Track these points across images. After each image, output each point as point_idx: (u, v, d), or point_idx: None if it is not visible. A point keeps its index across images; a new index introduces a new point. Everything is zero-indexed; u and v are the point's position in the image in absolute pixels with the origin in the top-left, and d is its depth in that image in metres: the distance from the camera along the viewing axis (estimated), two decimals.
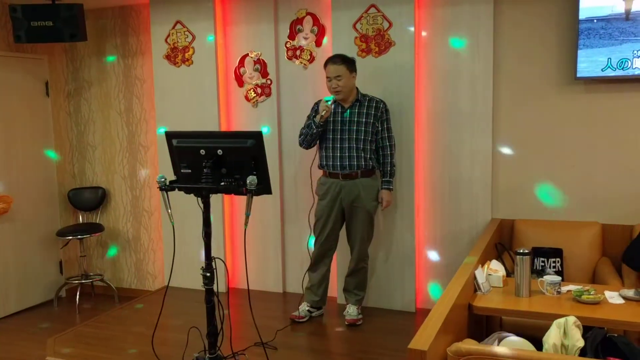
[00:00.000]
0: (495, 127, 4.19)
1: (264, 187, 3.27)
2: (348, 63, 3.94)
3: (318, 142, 4.14)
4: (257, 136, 3.22)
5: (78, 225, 5.43)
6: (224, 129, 4.88)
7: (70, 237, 5.21)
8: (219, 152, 3.24)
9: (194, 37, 4.84)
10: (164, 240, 5.18)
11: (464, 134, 4.25)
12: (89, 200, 5.48)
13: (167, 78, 4.99)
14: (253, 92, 4.79)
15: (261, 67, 4.74)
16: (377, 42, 4.29)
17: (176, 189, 3.35)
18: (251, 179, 3.13)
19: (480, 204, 4.27)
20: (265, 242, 4.92)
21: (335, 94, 3.95)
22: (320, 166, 4.16)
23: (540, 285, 3.03)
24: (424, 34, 4.28)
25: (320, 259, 4.21)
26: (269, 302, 4.74)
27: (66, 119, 5.59)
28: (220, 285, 4.89)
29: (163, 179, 3.31)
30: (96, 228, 5.34)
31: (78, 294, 5.20)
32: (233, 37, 4.84)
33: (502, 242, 3.93)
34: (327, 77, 3.96)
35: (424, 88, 4.33)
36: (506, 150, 4.20)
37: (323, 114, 3.90)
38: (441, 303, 2.63)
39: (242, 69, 4.82)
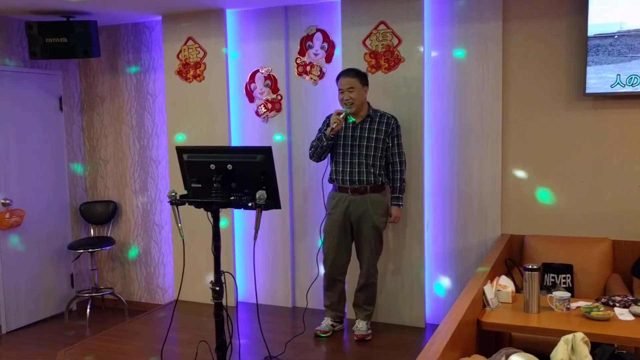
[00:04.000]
0: (504, 142, 4.20)
1: (273, 202, 3.30)
2: (360, 76, 3.97)
3: (330, 155, 4.16)
4: (267, 151, 3.26)
5: (89, 239, 5.48)
6: (234, 144, 4.93)
7: (81, 251, 5.26)
8: (229, 167, 3.28)
9: (205, 53, 4.90)
10: (174, 254, 5.21)
11: (473, 149, 4.26)
12: (101, 214, 5.53)
13: (178, 93, 5.04)
14: (263, 108, 4.84)
15: (271, 83, 4.79)
16: (386, 58, 4.32)
17: (186, 204, 3.41)
18: (260, 194, 3.16)
19: (489, 219, 4.26)
20: (274, 257, 4.93)
21: (347, 106, 3.97)
22: (330, 180, 4.18)
23: (549, 302, 3.01)
24: (433, 52, 4.31)
25: (335, 276, 4.21)
26: (278, 317, 4.74)
27: (79, 134, 5.66)
28: (229, 299, 4.91)
29: (174, 194, 3.35)
30: (107, 241, 5.38)
31: (89, 307, 5.23)
32: (244, 53, 4.90)
33: (511, 258, 3.92)
34: (339, 90, 3.98)
35: (433, 103, 4.35)
36: (515, 165, 4.20)
37: (334, 126, 3.92)
38: (449, 319, 2.63)
39: (252, 85, 4.87)
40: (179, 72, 5.02)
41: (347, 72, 3.99)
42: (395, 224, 4.28)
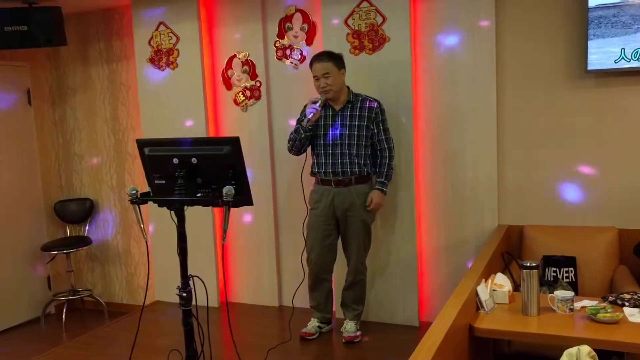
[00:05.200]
0: (499, 126, 3.88)
1: (243, 198, 3.00)
2: (335, 59, 3.65)
3: (310, 146, 3.85)
4: (234, 142, 2.96)
5: (64, 239, 5.19)
6: (211, 134, 4.61)
7: (56, 252, 4.97)
8: (194, 160, 2.99)
9: (178, 39, 4.58)
10: (153, 253, 4.92)
11: (466, 134, 3.94)
12: (76, 212, 5.24)
13: (151, 83, 4.73)
14: (242, 95, 4.52)
15: (250, 69, 4.47)
16: (370, 38, 3.99)
17: (148, 202, 3.13)
18: (227, 190, 2.87)
19: (485, 209, 3.95)
20: (259, 254, 4.64)
21: (324, 94, 3.66)
22: (312, 173, 3.88)
23: (550, 302, 2.71)
24: (420, 30, 3.98)
25: (321, 275, 3.91)
26: (263, 317, 4.46)
27: (51, 129, 5.36)
28: (211, 300, 4.64)
29: (134, 192, 3.07)
30: (83, 241, 5.09)
31: (65, 311, 4.95)
32: (219, 38, 4.57)
33: (509, 251, 3.61)
34: (314, 77, 3.68)
35: (423, 86, 4.03)
36: (512, 151, 3.88)
37: (311, 117, 3.62)
38: (436, 326, 2.33)
39: (229, 71, 4.55)
40: (151, 60, 4.70)
41: (320, 57, 3.67)
42: (387, 220, 3.99)
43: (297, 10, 4.28)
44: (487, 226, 3.95)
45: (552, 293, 2.89)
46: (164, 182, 3.14)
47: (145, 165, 3.21)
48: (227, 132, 4.62)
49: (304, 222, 3.99)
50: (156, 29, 4.65)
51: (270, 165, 4.50)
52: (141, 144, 3.18)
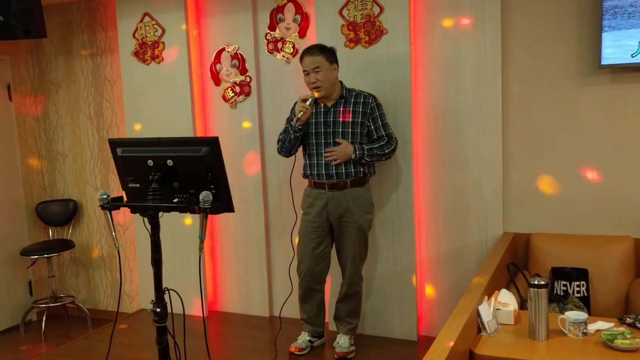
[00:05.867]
0: (505, 125, 3.58)
1: (223, 204, 2.74)
2: (326, 53, 3.37)
3: (302, 147, 3.58)
4: (212, 143, 2.68)
5: (45, 243, 4.93)
6: (199, 133, 4.34)
7: (36, 256, 4.71)
8: (169, 162, 2.74)
9: (163, 31, 4.30)
10: (138, 258, 4.66)
11: (469, 134, 3.65)
12: (59, 214, 4.98)
13: (136, 77, 4.46)
14: (231, 91, 4.24)
15: (239, 63, 4.19)
16: (367, 30, 3.71)
17: (120, 208, 2.87)
18: (204, 195, 2.60)
19: (489, 215, 3.66)
20: (248, 260, 4.37)
21: (315, 90, 3.39)
22: (304, 175, 3.60)
23: (561, 325, 2.42)
24: (420, 22, 3.68)
25: (312, 286, 3.63)
26: (253, 329, 4.19)
27: (34, 125, 5.10)
28: (199, 310, 4.39)
29: (105, 196, 2.81)
30: (66, 245, 4.83)
31: (44, 318, 4.70)
32: (207, 30, 4.30)
33: (515, 262, 3.32)
34: (304, 72, 3.40)
35: (422, 82, 3.74)
36: (519, 153, 3.59)
37: (300, 115, 3.34)
38: (434, 352, 2.06)
39: (218, 65, 4.27)
40: (136, 54, 4.43)
41: (310, 50, 3.40)
42: (384, 227, 3.71)
43: (290, 0, 4.00)
44: (491, 234, 3.66)
45: (562, 311, 2.62)
46: (138, 185, 2.90)
47: (118, 167, 2.97)
48: (215, 130, 4.35)
49: (293, 229, 3.72)
50: (141, 20, 4.37)
51: (260, 165, 4.23)
52: (113, 143, 2.94)
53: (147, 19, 4.35)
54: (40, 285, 5.11)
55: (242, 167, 4.28)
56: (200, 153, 2.70)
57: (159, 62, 4.35)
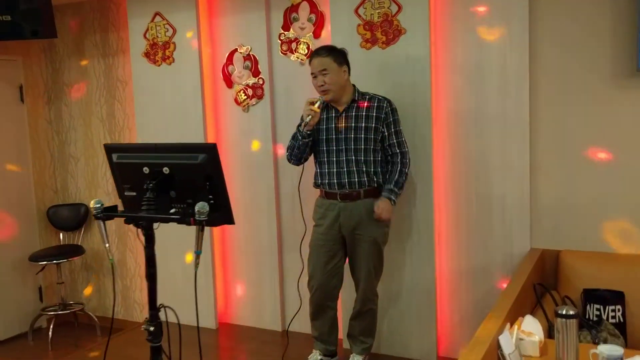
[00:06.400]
0: (533, 132, 3.31)
1: (222, 216, 2.56)
2: (335, 54, 3.15)
3: (313, 154, 3.37)
4: (210, 150, 2.51)
5: (55, 248, 4.80)
6: (210, 138, 4.17)
7: (45, 262, 4.59)
8: (165, 170, 2.58)
9: (174, 31, 4.14)
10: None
11: (494, 142, 3.39)
12: (70, 218, 4.86)
13: (146, 79, 4.31)
14: (243, 94, 4.05)
15: (252, 64, 3.99)
16: (384, 30, 3.47)
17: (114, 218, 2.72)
18: (200, 206, 2.42)
19: (515, 229, 3.38)
20: (260, 272, 4.17)
21: (322, 93, 3.17)
22: (315, 185, 3.39)
23: None
24: (441, 22, 3.43)
25: (324, 302, 3.40)
26: (264, 344, 3.99)
27: (46, 128, 4.99)
28: (209, 321, 4.22)
29: (99, 205, 2.67)
30: (75, 251, 4.70)
31: (52, 327, 4.56)
32: (219, 30, 4.12)
33: (543, 283, 3.04)
34: (311, 74, 3.19)
35: (443, 85, 3.48)
36: (548, 162, 3.30)
37: (308, 120, 3.13)
38: None
39: (230, 67, 4.08)
40: (147, 54, 4.28)
41: (319, 51, 3.19)
42: (401, 240, 3.48)
43: None
44: (517, 249, 3.38)
45: (595, 340, 2.35)
46: (134, 194, 2.76)
47: (114, 174, 2.82)
48: (227, 134, 4.17)
49: (302, 240, 3.51)
50: (152, 20, 4.22)
51: (273, 172, 4.03)
52: (109, 149, 2.80)
53: (158, 18, 4.19)
54: (51, 291, 5.00)
55: (254, 174, 4.08)
56: (198, 160, 2.53)
57: (170, 64, 4.19)
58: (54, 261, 4.59)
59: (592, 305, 2.89)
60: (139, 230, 2.65)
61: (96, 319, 4.76)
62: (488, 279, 3.49)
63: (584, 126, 3.20)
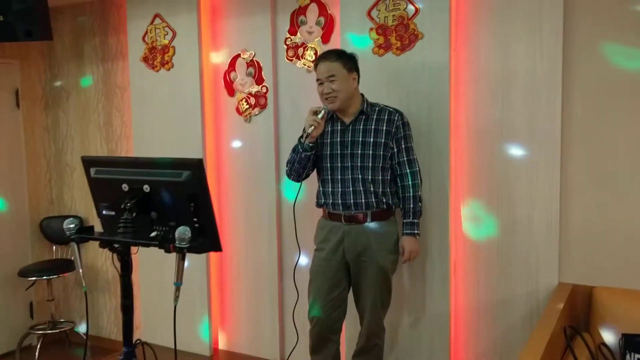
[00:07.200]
0: (564, 150, 2.93)
1: (207, 242, 2.26)
2: (344, 59, 2.82)
3: (315, 171, 3.04)
4: (196, 167, 2.21)
5: (45, 263, 4.53)
6: (209, 150, 3.86)
7: (34, 278, 4.32)
8: (146, 188, 2.29)
9: (174, 34, 3.86)
10: (141, 283, 4.20)
11: (519, 160, 3.02)
12: (64, 231, 4.55)
13: (144, 85, 4.04)
14: (245, 103, 3.75)
15: (255, 71, 3.69)
16: (399, 34, 3.14)
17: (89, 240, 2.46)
18: (181, 232, 2.13)
19: (542, 260, 3.00)
20: (259, 297, 3.84)
21: (328, 102, 2.85)
22: (318, 204, 3.06)
23: None
24: (463, 25, 3.09)
25: (325, 335, 3.04)
26: None
27: (43, 135, 4.74)
28: (202, 347, 3.92)
29: (72, 225, 2.39)
30: (67, 266, 4.43)
31: (39, 346, 4.29)
32: (222, 33, 3.83)
33: (574, 325, 2.66)
34: (317, 80, 2.86)
35: (463, 96, 3.13)
36: (581, 184, 2.92)
37: (310, 131, 2.80)
38: None
39: (232, 74, 3.78)
40: (145, 59, 4.00)
41: (327, 55, 2.86)
42: (412, 268, 3.12)
43: (313, 0, 3.48)
44: (544, 283, 3.00)
45: None
46: (113, 213, 2.47)
47: (91, 191, 2.53)
48: (228, 146, 3.86)
49: (295, 265, 3.19)
50: (151, 22, 3.95)
51: (275, 188, 3.70)
52: (87, 162, 2.54)
53: (157, 20, 3.92)
54: (43, 307, 4.72)
55: (255, 191, 3.77)
56: (181, 178, 2.23)
57: (169, 69, 3.90)
58: (44, 277, 4.32)
59: (632, 354, 2.49)
60: (114, 255, 2.36)
61: (87, 340, 4.47)
62: (509, 316, 3.10)
63: (624, 144, 2.81)
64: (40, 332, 4.42)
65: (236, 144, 3.82)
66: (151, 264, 4.06)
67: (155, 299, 4.12)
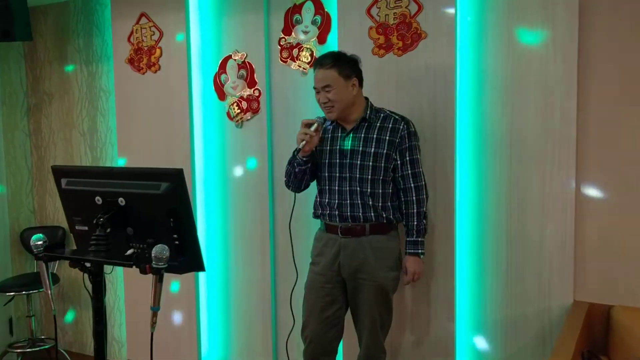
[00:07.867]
0: (580, 159, 2.72)
1: (188, 261, 2.04)
2: (341, 65, 2.59)
3: (316, 180, 2.83)
4: (175, 177, 1.99)
5: (25, 277, 4.29)
6: (199, 157, 3.64)
7: (12, 293, 4.07)
8: (121, 201, 2.06)
9: (161, 35, 3.64)
10: (125, 299, 3.96)
11: (531, 169, 2.81)
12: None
13: (129, 89, 3.81)
14: (237, 107, 3.52)
15: (247, 74, 3.47)
16: (400, 33, 2.93)
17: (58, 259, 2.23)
18: (158, 250, 1.91)
19: (555, 277, 2.79)
20: (251, 304, 3.61)
21: (326, 112, 2.63)
22: (315, 215, 2.84)
23: None
24: (469, 19, 2.89)
25: (319, 357, 2.82)
26: None
27: (24, 141, 4.50)
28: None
29: (40, 242, 2.17)
30: None
31: None
32: (212, 33, 3.60)
33: (591, 349, 2.44)
34: (314, 88, 2.64)
35: (471, 100, 2.92)
36: (598, 194, 2.71)
37: (302, 146, 2.59)
38: None
39: (223, 76, 3.56)
40: (130, 61, 3.78)
41: (322, 62, 2.63)
42: (415, 286, 2.90)
43: None
44: (557, 301, 2.78)
45: None
46: (86, 228, 2.25)
47: (62, 204, 2.32)
48: (217, 155, 3.63)
49: (293, 288, 2.97)
50: (137, 22, 3.72)
51: (268, 200, 3.47)
52: (58, 172, 2.32)
53: (143, 20, 3.70)
54: (23, 323, 4.48)
55: (247, 200, 3.54)
56: (159, 190, 2.01)
57: (155, 72, 3.68)
58: (24, 292, 4.07)
59: None
60: (85, 276, 2.13)
61: (68, 358, 4.23)
62: (519, 336, 2.88)
63: None
64: (20, 350, 4.17)
65: (227, 151, 3.59)
66: (138, 277, 3.81)
67: (142, 316, 3.87)
